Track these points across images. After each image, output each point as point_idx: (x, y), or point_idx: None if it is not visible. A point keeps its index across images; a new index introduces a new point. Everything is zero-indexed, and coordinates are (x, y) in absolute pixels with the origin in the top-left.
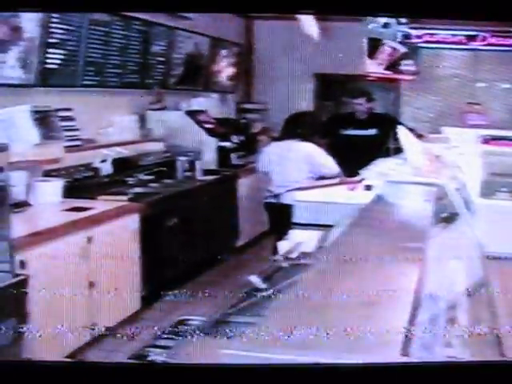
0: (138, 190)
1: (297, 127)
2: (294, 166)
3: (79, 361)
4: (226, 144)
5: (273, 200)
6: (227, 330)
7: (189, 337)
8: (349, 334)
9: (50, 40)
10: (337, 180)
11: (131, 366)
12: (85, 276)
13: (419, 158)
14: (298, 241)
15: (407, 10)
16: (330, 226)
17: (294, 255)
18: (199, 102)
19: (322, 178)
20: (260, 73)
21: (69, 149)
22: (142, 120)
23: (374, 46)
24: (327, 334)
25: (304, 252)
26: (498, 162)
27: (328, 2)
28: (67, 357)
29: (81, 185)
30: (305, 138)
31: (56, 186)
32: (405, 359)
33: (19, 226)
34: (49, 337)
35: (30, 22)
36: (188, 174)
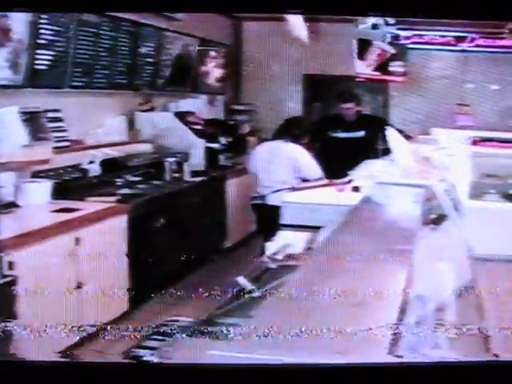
0: (126, 191)
1: (288, 129)
2: (279, 167)
3: (67, 361)
4: (214, 145)
5: (259, 201)
6: (215, 331)
7: (176, 337)
8: (336, 335)
9: (39, 41)
10: (325, 181)
11: (119, 365)
12: (73, 277)
13: (408, 159)
14: (286, 242)
15: (396, 11)
16: (318, 228)
17: (281, 256)
18: (187, 103)
19: (306, 180)
20: (248, 74)
21: (57, 150)
22: (131, 121)
23: (363, 47)
24: (315, 334)
25: (292, 253)
26: (487, 164)
27: (316, 2)
28: (55, 356)
29: (69, 186)
30: (294, 139)
31: (44, 186)
32: (393, 359)
33: (7, 226)
34: (37, 337)
35: (18, 22)
36: (176, 175)
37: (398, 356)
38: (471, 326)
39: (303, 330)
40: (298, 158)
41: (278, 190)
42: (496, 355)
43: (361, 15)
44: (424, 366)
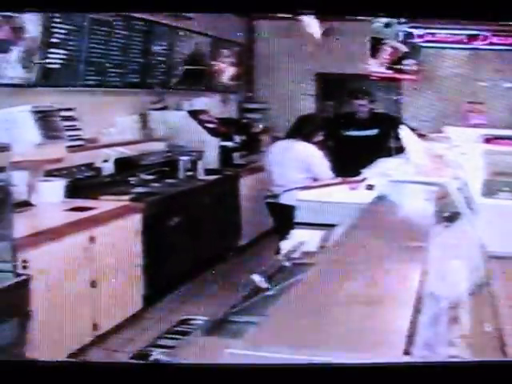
0: (139, 189)
1: (301, 127)
2: (290, 167)
3: (82, 361)
4: (228, 144)
5: (272, 200)
6: (230, 330)
7: (191, 336)
8: (351, 334)
9: (52, 40)
10: (338, 180)
11: (133, 366)
12: (87, 276)
13: (421, 157)
14: (300, 240)
15: (408, 11)
16: (332, 226)
17: (296, 255)
18: (201, 102)
19: (317, 180)
20: (261, 72)
21: (71, 149)
22: (144, 120)
23: (376, 45)
24: (329, 332)
25: (306, 251)
26: (500, 162)
27: (329, 2)
28: (70, 356)
29: (83, 185)
30: (306, 138)
31: (58, 185)
32: (407, 359)
33: (21, 226)
34: (51, 337)
35: (31, 21)
36: (190, 173)
37: (412, 355)
38: (485, 323)
39: (319, 328)
40: (308, 158)
41: (290, 190)
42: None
43: (372, 16)
44: (438, 365)
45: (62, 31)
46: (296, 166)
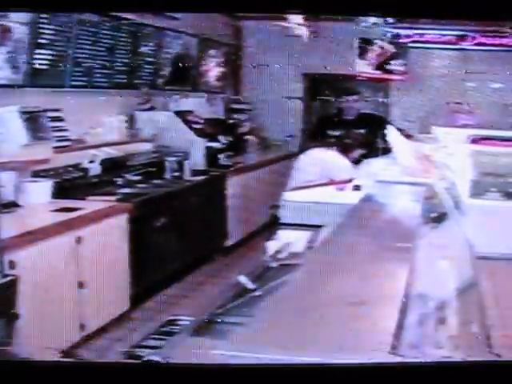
0: (126, 190)
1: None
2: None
3: (68, 360)
4: (215, 144)
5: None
6: (216, 330)
7: (178, 337)
8: (338, 334)
9: (39, 40)
10: (326, 180)
11: (121, 365)
12: (74, 276)
13: (408, 157)
14: (287, 241)
15: (396, 11)
16: (319, 226)
17: (283, 255)
18: (188, 103)
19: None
20: (248, 73)
21: (58, 149)
22: (131, 120)
23: (364, 45)
24: (315, 333)
25: (293, 252)
26: (488, 162)
27: (316, 1)
28: (57, 357)
29: (70, 185)
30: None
31: (45, 186)
32: (394, 358)
33: (8, 226)
34: (38, 337)
35: (18, 22)
36: (176, 174)
37: (399, 355)
38: (473, 324)
39: (305, 328)
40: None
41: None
42: (498, 355)
43: (361, 15)
44: (425, 365)
45: (49, 32)
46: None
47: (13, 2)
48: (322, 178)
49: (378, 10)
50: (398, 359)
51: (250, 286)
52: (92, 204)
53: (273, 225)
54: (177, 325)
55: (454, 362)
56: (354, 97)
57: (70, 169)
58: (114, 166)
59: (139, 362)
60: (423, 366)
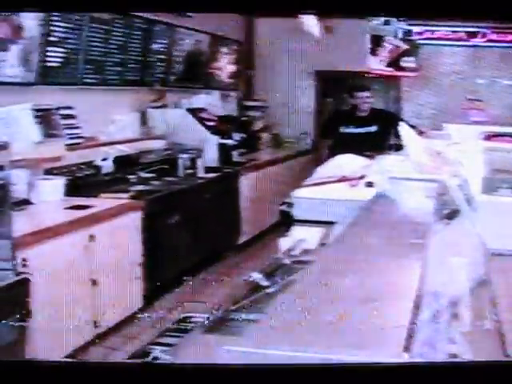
0: (139, 187)
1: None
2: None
3: (81, 361)
4: (228, 141)
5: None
6: (230, 327)
7: (191, 334)
8: (351, 331)
9: (51, 38)
10: (338, 177)
11: (134, 365)
12: (87, 274)
13: (421, 154)
14: (300, 238)
15: (408, 11)
16: (332, 223)
17: (296, 252)
18: (200, 100)
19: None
20: (261, 70)
21: (70, 147)
22: (143, 118)
23: (376, 42)
24: (329, 330)
25: (306, 249)
26: (500, 159)
27: (329, 2)
28: (70, 355)
29: (82, 183)
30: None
31: (57, 184)
32: (407, 355)
33: (21, 224)
34: (51, 335)
35: (30, 20)
36: (189, 171)
37: (413, 352)
38: (485, 320)
39: (318, 325)
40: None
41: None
42: (509, 355)
43: (372, 15)
44: (437, 365)
45: (61, 30)
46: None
47: (25, 2)
48: (334, 175)
49: (390, 11)
50: (411, 356)
51: (264, 282)
52: (105, 201)
53: (284, 221)
54: (190, 322)
55: (467, 361)
56: (367, 93)
57: (83, 166)
58: (126, 164)
59: (152, 361)
60: (434, 367)
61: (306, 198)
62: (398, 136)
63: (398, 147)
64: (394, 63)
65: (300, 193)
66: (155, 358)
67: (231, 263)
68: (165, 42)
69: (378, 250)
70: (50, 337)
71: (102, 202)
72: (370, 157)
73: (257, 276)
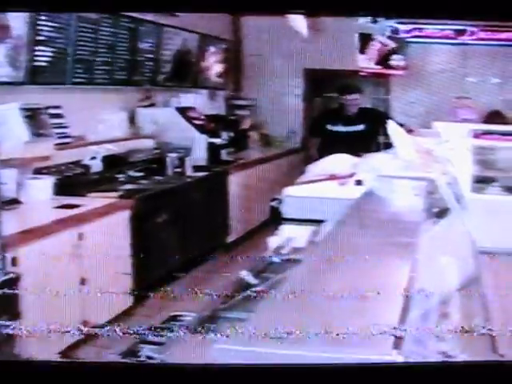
0: (128, 186)
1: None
2: None
3: (70, 360)
4: (216, 140)
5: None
6: (218, 326)
7: (180, 332)
8: (340, 329)
9: (39, 38)
10: (327, 175)
11: (124, 364)
12: (76, 273)
13: (410, 152)
14: (289, 236)
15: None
16: (321, 222)
17: (285, 250)
18: (189, 99)
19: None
20: (249, 69)
21: (59, 146)
22: (132, 117)
23: (364, 41)
24: (318, 328)
25: (295, 247)
26: (489, 157)
27: (317, 1)
28: (59, 354)
29: (71, 182)
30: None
31: (46, 183)
32: (396, 353)
33: (10, 223)
34: (41, 334)
35: (18, 19)
36: (178, 170)
37: (402, 350)
38: (475, 319)
39: (306, 323)
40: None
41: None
42: (501, 355)
43: (360, 15)
44: (428, 365)
45: (49, 29)
46: None
47: (10, 2)
48: (323, 173)
49: (378, 10)
50: (401, 354)
51: (252, 281)
52: (93, 201)
53: (273, 218)
54: (179, 321)
55: (456, 362)
56: (356, 95)
57: (72, 166)
58: (115, 163)
59: (141, 361)
60: (425, 366)
61: (295, 196)
62: (386, 134)
63: (387, 145)
64: (382, 61)
65: (290, 191)
66: (144, 357)
67: (220, 262)
68: (153, 41)
69: (368, 249)
70: (40, 336)
71: (91, 201)
72: (359, 155)
73: (246, 274)
